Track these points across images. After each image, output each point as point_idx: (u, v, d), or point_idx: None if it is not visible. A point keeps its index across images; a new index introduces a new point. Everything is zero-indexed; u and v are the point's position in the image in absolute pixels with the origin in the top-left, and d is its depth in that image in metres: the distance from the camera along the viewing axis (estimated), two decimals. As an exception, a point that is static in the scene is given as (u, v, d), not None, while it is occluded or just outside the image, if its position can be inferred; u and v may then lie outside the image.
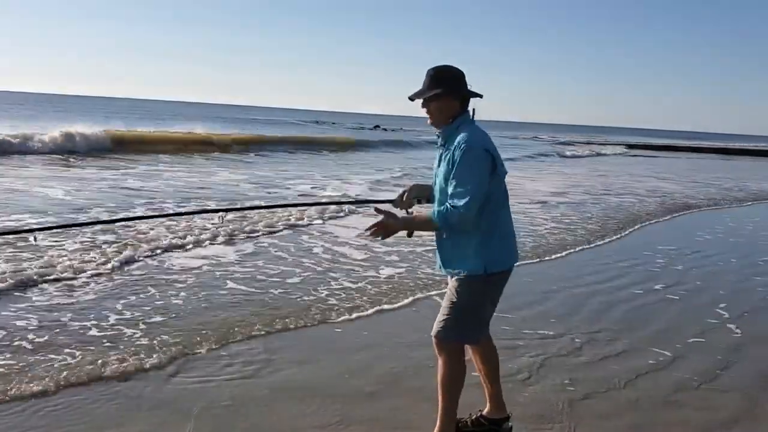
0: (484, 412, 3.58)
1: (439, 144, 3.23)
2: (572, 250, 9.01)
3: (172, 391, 4.00)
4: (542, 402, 4.09)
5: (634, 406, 4.12)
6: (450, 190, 3.03)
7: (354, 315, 5.67)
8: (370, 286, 6.56)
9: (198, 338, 4.84)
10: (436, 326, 3.29)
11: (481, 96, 3.20)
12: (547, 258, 8.44)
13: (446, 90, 3.13)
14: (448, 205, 3.02)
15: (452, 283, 3.26)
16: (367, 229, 3.19)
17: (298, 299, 6.00)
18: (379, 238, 3.22)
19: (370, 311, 5.80)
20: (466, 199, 2.98)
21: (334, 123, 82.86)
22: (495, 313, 3.42)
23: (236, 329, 5.08)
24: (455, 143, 3.06)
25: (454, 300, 3.23)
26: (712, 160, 43.07)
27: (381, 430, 3.67)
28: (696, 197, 17.08)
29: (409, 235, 3.27)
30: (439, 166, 3.20)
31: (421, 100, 3.17)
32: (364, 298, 6.17)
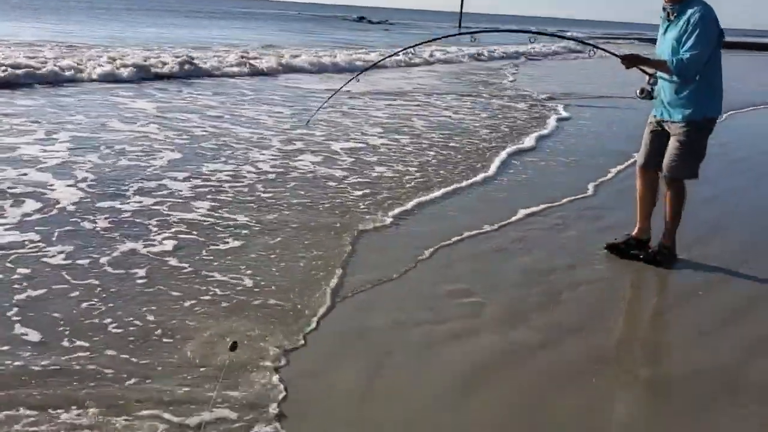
0: (633, 234, 4.56)
1: (665, 18, 4.18)
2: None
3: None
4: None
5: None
6: (685, 46, 3.98)
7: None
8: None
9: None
10: (668, 166, 4.26)
11: None
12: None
13: None
14: (682, 57, 3.98)
15: (677, 129, 4.20)
16: (622, 55, 4.21)
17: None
18: (624, 65, 4.20)
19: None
20: (696, 52, 3.95)
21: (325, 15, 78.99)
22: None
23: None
24: (689, 13, 3.99)
25: (683, 140, 4.18)
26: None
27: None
28: None
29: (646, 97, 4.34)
30: (665, 34, 4.20)
31: None
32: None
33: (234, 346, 2.61)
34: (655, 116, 4.37)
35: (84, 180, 5.44)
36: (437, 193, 5.72)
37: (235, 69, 13.74)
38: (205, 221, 4.64)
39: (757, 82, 18.24)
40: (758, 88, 16.74)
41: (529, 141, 8.25)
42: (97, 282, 3.62)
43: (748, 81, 17.74)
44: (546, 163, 7.26)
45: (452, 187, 5.97)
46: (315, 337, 3.21)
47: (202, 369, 2.84)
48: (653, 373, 3.20)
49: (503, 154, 7.36)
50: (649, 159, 4.43)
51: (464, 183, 6.14)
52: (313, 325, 3.31)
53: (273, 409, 2.60)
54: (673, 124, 4.21)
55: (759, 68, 26.26)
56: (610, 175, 6.72)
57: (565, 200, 5.74)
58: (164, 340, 3.09)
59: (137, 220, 4.59)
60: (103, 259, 3.90)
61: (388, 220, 4.93)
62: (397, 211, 5.15)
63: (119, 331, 3.13)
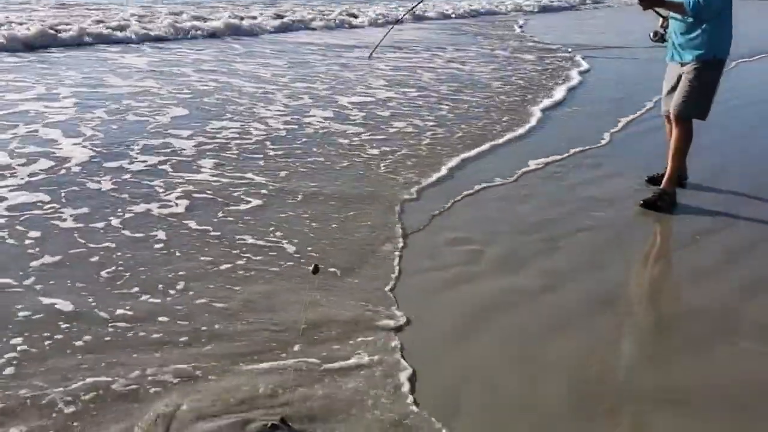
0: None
1: None
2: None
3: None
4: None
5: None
6: None
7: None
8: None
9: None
10: (677, 105, 4.35)
11: None
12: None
13: None
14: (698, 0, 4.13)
15: (688, 69, 4.32)
16: None
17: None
18: (642, 6, 4.33)
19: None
20: None
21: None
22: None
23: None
24: None
25: (692, 79, 4.28)
26: None
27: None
28: None
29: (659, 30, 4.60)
30: None
31: None
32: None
33: (316, 269, 2.52)
34: (666, 61, 4.54)
35: (91, 138, 5.20)
36: (477, 150, 5.52)
37: (223, 25, 12.96)
38: (217, 182, 4.43)
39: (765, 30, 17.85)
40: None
41: (558, 94, 7.96)
42: (114, 246, 3.43)
43: (762, 29, 17.35)
44: (566, 115, 7.08)
45: (488, 145, 5.70)
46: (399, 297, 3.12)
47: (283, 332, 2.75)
48: (653, 315, 3.31)
49: (537, 111, 7.00)
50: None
51: (500, 140, 5.88)
52: (390, 285, 3.21)
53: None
54: (685, 65, 4.34)
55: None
56: (620, 125, 6.55)
57: (573, 150, 5.61)
58: (215, 304, 2.94)
59: (148, 181, 4.38)
60: (116, 221, 3.71)
61: (418, 180, 4.73)
62: (423, 169, 4.95)
63: (157, 301, 2.95)
